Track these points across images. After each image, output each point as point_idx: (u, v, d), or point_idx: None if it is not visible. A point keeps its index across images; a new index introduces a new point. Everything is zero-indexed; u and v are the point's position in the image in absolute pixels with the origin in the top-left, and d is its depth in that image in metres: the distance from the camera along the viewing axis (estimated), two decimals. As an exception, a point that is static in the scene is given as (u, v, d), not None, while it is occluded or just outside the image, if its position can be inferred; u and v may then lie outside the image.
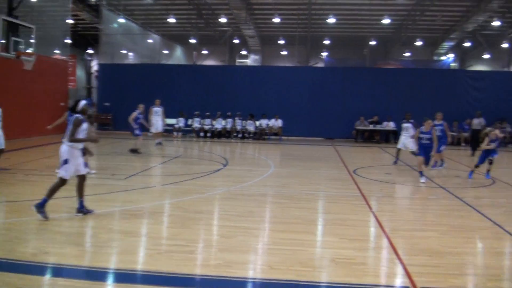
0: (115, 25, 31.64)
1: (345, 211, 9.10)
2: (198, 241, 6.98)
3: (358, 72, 29.20)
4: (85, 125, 7.79)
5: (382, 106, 25.99)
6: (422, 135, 12.73)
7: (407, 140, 15.93)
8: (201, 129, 26.22)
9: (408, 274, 5.66)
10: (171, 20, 32.08)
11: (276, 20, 31.52)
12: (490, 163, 12.38)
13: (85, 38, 39.73)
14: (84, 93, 40.63)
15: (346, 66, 33.94)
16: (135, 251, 6.41)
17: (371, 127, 26.14)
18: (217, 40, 38.28)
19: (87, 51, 41.95)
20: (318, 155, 19.38)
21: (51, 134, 15.85)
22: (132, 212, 8.38)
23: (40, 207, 7.44)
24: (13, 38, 18.91)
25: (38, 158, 15.61)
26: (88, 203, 8.06)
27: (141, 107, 17.43)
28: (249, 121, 25.93)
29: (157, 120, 19.53)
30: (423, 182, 12.35)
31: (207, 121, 26.27)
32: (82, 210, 7.88)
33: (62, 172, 7.59)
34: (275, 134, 25.88)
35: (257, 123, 26.04)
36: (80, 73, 41.93)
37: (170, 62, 38.49)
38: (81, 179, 7.92)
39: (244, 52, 43.07)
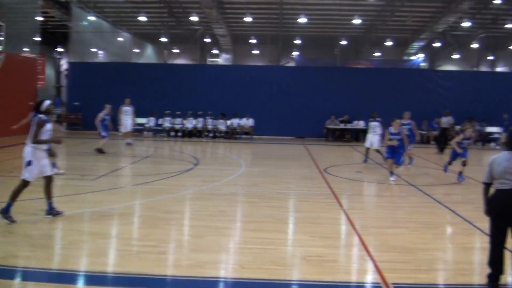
0: (85, 23, 31.11)
1: (316, 209, 9.13)
2: (170, 242, 6.92)
3: (329, 71, 29.47)
4: (49, 126, 7.62)
5: (352, 105, 26.23)
6: (391, 136, 12.77)
7: (374, 139, 16.15)
8: (172, 129, 26.04)
9: (379, 271, 5.71)
10: (142, 18, 31.71)
11: (248, 19, 31.48)
12: (464, 165, 12.49)
13: (55, 36, 38.90)
14: (54, 92, 39.94)
15: (317, 65, 34.24)
16: (106, 253, 6.32)
17: (341, 126, 26.38)
18: (188, 39, 38.07)
19: (57, 49, 41.11)
20: (289, 154, 19.44)
21: (20, 134, 15.48)
22: (102, 213, 8.25)
23: (5, 212, 7.24)
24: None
25: (5, 159, 15.24)
26: (57, 204, 7.90)
27: (107, 107, 17.07)
28: (220, 120, 25.84)
29: (127, 120, 19.28)
30: (392, 180, 12.49)
31: (178, 120, 26.10)
32: (52, 211, 7.71)
33: (25, 174, 7.41)
34: (246, 133, 25.86)
35: (228, 122, 25.98)
36: (49, 71, 41.10)
37: (141, 61, 38.14)
38: (48, 180, 7.73)
39: (215, 51, 42.94)
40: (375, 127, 16.31)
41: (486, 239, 5.56)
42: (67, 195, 9.51)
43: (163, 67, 31.61)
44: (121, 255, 6.18)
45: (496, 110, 24.87)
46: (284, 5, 30.18)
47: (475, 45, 36.53)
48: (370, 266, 5.96)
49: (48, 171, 7.71)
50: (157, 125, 26.39)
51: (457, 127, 22.87)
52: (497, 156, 5.41)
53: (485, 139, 25.35)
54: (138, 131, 25.02)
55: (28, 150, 7.45)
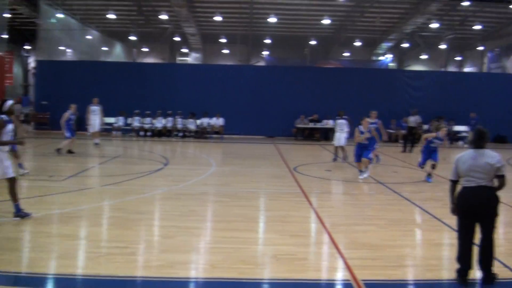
0: (54, 20, 30.45)
1: (286, 208, 9.18)
2: (139, 243, 6.85)
3: (298, 71, 29.60)
4: (10, 126, 7.45)
5: (322, 104, 26.40)
6: (362, 135, 12.89)
7: (341, 136, 16.32)
8: (141, 128, 25.77)
9: (349, 268, 5.78)
10: (111, 16, 31.28)
11: (218, 18, 31.42)
12: (433, 168, 12.64)
13: (23, 33, 38.10)
14: (21, 91, 39.13)
15: (287, 65, 34.39)
16: (75, 255, 6.21)
17: (311, 125, 26.54)
18: (158, 37, 37.78)
19: (25, 47, 40.27)
20: (259, 153, 19.47)
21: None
22: (71, 215, 8.10)
23: None
24: None
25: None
26: (25, 206, 7.74)
27: (73, 107, 16.62)
28: (190, 120, 25.69)
29: (95, 119, 19.01)
30: (361, 178, 12.63)
31: (147, 119, 25.83)
32: (20, 213, 7.53)
33: None
34: (217, 133, 25.77)
35: (198, 121, 25.84)
36: (17, 70, 40.25)
37: (110, 59, 37.66)
38: (11, 182, 7.50)
39: (185, 50, 42.74)
40: (342, 125, 16.52)
41: (454, 235, 5.69)
42: (35, 196, 9.33)
43: (132, 66, 31.27)
44: (90, 257, 6.09)
45: (464, 109, 25.42)
46: (254, 4, 30.22)
47: (443, 46, 37.25)
48: (340, 263, 6.03)
49: (10, 173, 7.48)
50: (126, 124, 26.07)
51: (425, 126, 23.25)
52: (462, 154, 5.53)
53: (453, 138, 25.87)
54: (107, 130, 24.74)
55: (-12, 152, 7.26)
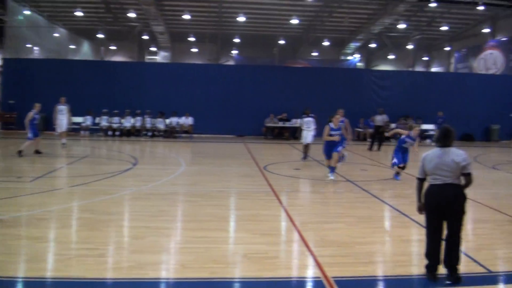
0: (21, 17, 29.87)
1: (256, 206, 9.23)
2: (109, 244, 6.78)
3: (267, 70, 29.72)
4: None
5: (291, 103, 26.50)
6: (333, 132, 12.90)
7: (307, 134, 16.47)
8: (109, 128, 25.45)
9: (319, 265, 5.86)
10: (78, 13, 30.85)
11: (186, 17, 31.30)
12: (403, 168, 12.80)
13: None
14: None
15: (256, 64, 34.45)
16: (45, 258, 6.11)
17: (280, 124, 26.67)
18: (126, 35, 37.42)
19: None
20: (229, 152, 19.48)
21: None
22: (39, 217, 7.98)
23: None
24: None
25: None
26: (-11, 207, 7.60)
27: (37, 106, 16.18)
28: (159, 119, 25.51)
29: (62, 119, 18.67)
30: (330, 176, 12.65)
31: (116, 119, 25.52)
32: (-15, 216, 7.40)
33: None
34: (186, 132, 25.66)
35: (167, 121, 25.68)
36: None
37: (77, 57, 37.11)
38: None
39: (153, 49, 42.44)
40: (308, 122, 16.66)
41: (423, 231, 5.80)
42: (3, 198, 9.15)
43: (100, 64, 30.83)
44: (60, 259, 6.01)
45: (431, 108, 25.86)
46: (223, 3, 30.24)
47: (410, 46, 37.94)
48: (310, 261, 6.10)
49: None
50: (94, 124, 25.69)
51: (393, 125, 23.61)
52: (429, 153, 5.64)
53: (420, 136, 26.28)
54: (75, 130, 24.34)
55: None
